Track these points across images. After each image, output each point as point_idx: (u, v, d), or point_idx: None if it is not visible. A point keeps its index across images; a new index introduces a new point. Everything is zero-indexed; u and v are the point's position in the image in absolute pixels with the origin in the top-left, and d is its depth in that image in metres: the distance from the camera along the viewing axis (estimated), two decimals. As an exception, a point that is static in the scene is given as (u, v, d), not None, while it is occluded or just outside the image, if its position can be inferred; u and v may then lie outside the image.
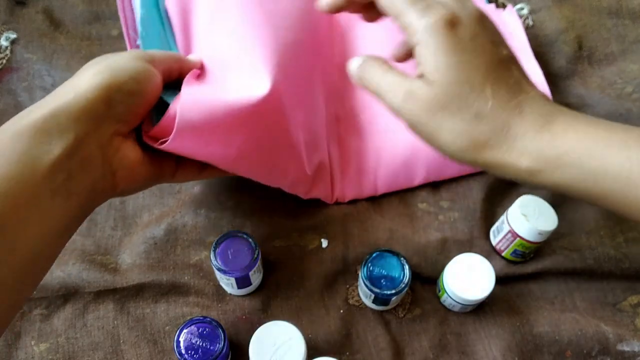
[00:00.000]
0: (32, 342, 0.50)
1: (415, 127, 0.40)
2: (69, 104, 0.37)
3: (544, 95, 0.39)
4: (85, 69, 0.40)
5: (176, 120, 0.42)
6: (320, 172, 0.56)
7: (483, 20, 0.39)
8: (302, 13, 0.54)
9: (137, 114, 0.42)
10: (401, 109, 0.39)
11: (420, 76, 0.38)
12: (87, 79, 0.39)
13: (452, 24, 0.37)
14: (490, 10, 0.65)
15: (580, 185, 0.37)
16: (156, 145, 0.44)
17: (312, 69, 0.55)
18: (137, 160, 0.43)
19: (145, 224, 0.56)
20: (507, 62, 0.39)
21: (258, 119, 0.45)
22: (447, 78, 0.37)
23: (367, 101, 0.59)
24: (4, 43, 0.65)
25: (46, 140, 0.36)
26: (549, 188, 0.38)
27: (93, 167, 0.39)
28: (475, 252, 0.53)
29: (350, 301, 0.53)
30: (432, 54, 0.37)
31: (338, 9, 0.44)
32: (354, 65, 0.42)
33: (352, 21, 0.62)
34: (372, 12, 0.44)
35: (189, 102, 0.43)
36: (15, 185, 0.34)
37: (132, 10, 0.53)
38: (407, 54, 0.45)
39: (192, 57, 0.48)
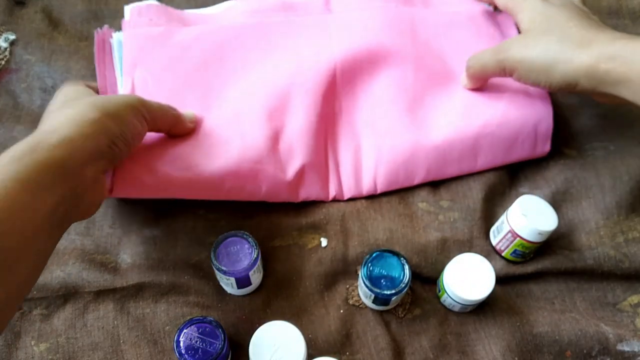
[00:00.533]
0: (32, 342, 0.50)
1: (518, 62, 0.52)
2: (84, 139, 0.41)
3: (611, 35, 0.49)
4: (88, 109, 0.43)
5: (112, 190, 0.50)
6: (308, 174, 0.56)
7: (572, 3, 0.54)
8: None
9: (122, 159, 0.47)
10: (501, 57, 0.53)
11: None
12: (97, 120, 0.42)
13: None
14: (488, 14, 0.65)
15: (635, 78, 0.46)
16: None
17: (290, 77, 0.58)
18: (106, 193, 0.47)
19: (144, 222, 0.56)
20: (589, 15, 0.53)
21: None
22: (540, 22, 0.52)
23: (367, 99, 0.59)
24: (3, 44, 0.65)
25: (59, 176, 0.39)
26: (614, 82, 0.47)
27: (81, 203, 0.43)
28: (475, 252, 0.53)
29: (350, 301, 0.53)
30: (530, 13, 0.54)
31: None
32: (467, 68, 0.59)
33: (350, 15, 0.62)
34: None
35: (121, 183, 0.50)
36: (22, 215, 0.36)
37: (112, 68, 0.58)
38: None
39: (188, 114, 0.54)
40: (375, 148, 0.57)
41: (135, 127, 0.46)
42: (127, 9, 0.61)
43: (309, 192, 0.57)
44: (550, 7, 0.53)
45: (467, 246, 0.55)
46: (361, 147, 0.58)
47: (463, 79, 0.60)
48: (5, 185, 0.35)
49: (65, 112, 0.43)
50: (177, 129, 0.52)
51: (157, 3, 0.62)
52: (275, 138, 0.56)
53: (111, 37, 0.59)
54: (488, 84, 0.60)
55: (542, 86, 0.52)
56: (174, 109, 0.52)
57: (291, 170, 0.55)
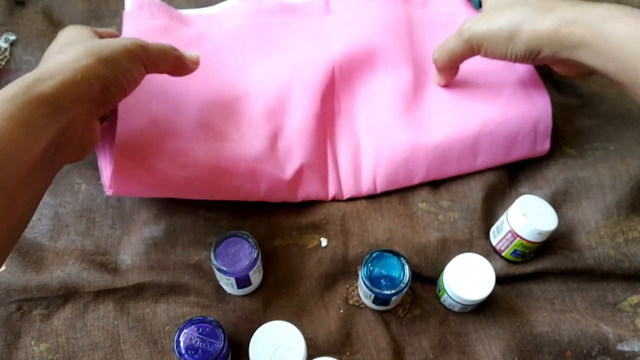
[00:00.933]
0: (32, 342, 0.50)
1: (482, 37, 0.53)
2: (75, 85, 0.41)
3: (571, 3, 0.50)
4: (82, 55, 0.43)
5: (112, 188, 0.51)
6: (306, 173, 0.56)
7: None
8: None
9: (115, 104, 0.47)
10: (467, 35, 0.54)
11: None
12: (89, 66, 0.42)
13: None
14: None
15: (595, 43, 0.47)
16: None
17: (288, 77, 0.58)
18: (98, 137, 0.47)
19: (144, 221, 0.56)
20: None
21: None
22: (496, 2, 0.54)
23: (366, 99, 0.59)
24: (3, 45, 0.65)
25: (51, 115, 0.39)
26: (574, 50, 0.48)
27: (72, 143, 0.43)
28: (475, 252, 0.53)
29: (350, 301, 0.53)
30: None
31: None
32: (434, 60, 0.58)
33: (350, 16, 0.62)
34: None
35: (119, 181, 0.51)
36: (17, 154, 0.37)
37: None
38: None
39: (191, 55, 0.53)
40: (375, 147, 0.57)
41: (131, 72, 0.46)
42: (129, 1, 0.61)
43: (308, 191, 0.57)
44: None
45: (467, 246, 0.55)
46: (360, 146, 0.58)
47: (435, 77, 0.60)
48: (0, 124, 0.36)
49: (59, 58, 0.43)
50: (179, 71, 0.52)
51: (158, 0, 0.62)
52: (273, 138, 0.56)
53: None
54: (487, 83, 0.60)
55: (508, 58, 0.53)
56: (175, 50, 0.51)
57: (290, 170, 0.55)
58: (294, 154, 0.56)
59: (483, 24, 0.53)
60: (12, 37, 0.66)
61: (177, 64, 0.51)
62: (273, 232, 0.56)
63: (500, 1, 0.53)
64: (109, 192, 0.51)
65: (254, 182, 0.54)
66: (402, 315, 0.52)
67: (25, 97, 0.38)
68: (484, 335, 0.51)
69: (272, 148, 0.55)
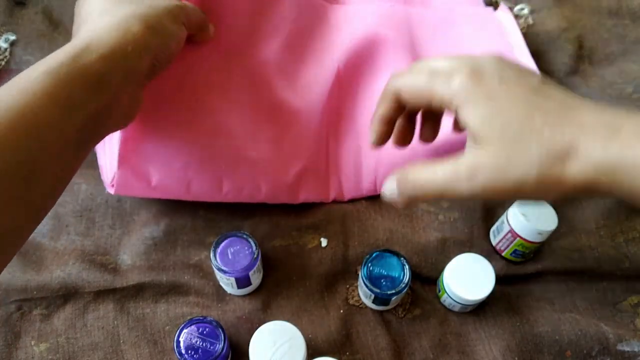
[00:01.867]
0: (32, 342, 0.50)
1: (501, 191, 0.37)
2: (125, 58, 0.38)
3: (597, 105, 0.38)
4: (131, 20, 0.40)
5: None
6: (308, 175, 0.56)
7: (502, 61, 0.40)
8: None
9: (161, 72, 0.44)
10: (474, 189, 0.38)
11: (470, 146, 0.38)
12: (139, 34, 0.40)
13: (477, 76, 0.38)
14: (487, 12, 0.65)
15: None
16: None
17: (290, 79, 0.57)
18: (142, 103, 0.45)
19: (144, 222, 0.56)
20: (542, 88, 0.38)
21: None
22: (496, 126, 0.37)
23: (368, 100, 0.59)
24: (3, 45, 0.65)
25: (95, 91, 0.37)
26: (621, 197, 0.36)
27: (116, 116, 0.41)
28: (475, 252, 0.53)
29: (351, 301, 0.53)
30: (473, 110, 0.38)
31: (385, 138, 0.47)
32: (389, 190, 0.42)
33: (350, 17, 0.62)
34: (426, 128, 0.47)
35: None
36: (47, 141, 0.35)
37: None
38: (434, 131, 0.47)
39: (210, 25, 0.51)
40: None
41: (177, 36, 0.44)
42: None
43: (308, 193, 0.57)
44: (493, 97, 0.37)
45: (467, 246, 0.55)
46: (361, 148, 0.58)
47: (390, 194, 0.43)
48: (36, 99, 0.34)
49: (107, 20, 0.39)
50: (201, 35, 0.51)
51: None
52: (275, 140, 0.56)
53: None
54: None
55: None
56: (202, 12, 0.49)
57: (291, 172, 0.55)
58: (296, 155, 0.56)
59: (493, 175, 0.37)
60: (12, 37, 0.66)
61: (203, 26, 0.50)
62: (273, 232, 0.56)
63: (498, 128, 0.37)
64: (110, 190, 0.52)
65: (254, 183, 0.54)
66: (402, 315, 0.52)
67: (70, 71, 0.36)
68: (484, 336, 0.51)
69: (273, 150, 0.55)
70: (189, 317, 0.50)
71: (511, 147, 0.36)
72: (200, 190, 0.53)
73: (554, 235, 0.53)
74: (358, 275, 0.53)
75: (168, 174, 0.51)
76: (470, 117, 0.38)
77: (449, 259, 0.52)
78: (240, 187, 0.54)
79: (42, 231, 0.55)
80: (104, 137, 0.42)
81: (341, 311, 0.52)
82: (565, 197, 0.37)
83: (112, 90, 0.38)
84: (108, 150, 0.54)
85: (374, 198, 0.58)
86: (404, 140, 0.48)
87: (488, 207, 0.58)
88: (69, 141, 0.36)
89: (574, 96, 0.38)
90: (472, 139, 0.38)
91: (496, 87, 0.38)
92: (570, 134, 0.36)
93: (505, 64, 0.39)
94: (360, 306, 0.53)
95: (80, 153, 0.39)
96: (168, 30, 0.42)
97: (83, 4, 0.43)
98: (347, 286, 0.54)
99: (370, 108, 0.59)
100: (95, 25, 0.39)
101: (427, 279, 0.54)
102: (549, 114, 0.37)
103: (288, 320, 0.47)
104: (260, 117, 0.56)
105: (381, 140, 0.47)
